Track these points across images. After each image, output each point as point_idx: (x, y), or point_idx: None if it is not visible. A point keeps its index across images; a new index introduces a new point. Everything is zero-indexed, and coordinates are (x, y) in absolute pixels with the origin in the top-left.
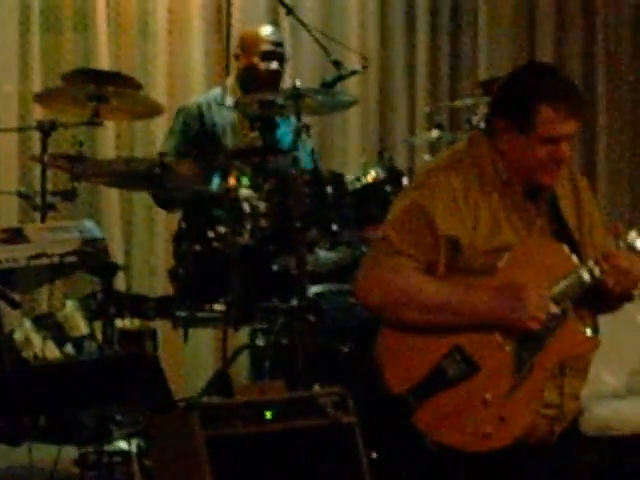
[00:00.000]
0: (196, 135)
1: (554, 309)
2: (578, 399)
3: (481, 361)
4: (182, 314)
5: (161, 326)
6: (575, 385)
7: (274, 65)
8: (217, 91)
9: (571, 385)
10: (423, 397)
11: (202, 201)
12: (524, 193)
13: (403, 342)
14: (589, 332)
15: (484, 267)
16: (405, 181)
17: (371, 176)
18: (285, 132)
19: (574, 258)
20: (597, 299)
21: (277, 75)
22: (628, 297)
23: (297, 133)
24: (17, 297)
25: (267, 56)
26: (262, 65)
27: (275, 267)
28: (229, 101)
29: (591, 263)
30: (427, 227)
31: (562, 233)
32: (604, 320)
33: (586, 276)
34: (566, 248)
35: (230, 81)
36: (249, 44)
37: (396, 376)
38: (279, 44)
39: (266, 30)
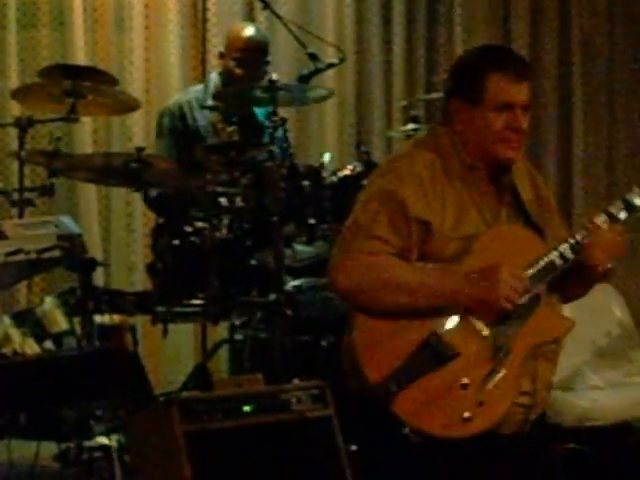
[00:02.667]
0: (181, 134)
1: (532, 289)
2: (549, 389)
3: (458, 347)
4: (161, 309)
5: (140, 321)
6: (547, 373)
7: (248, 70)
8: (198, 88)
9: (543, 372)
10: (401, 385)
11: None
12: (488, 179)
13: (378, 332)
14: (563, 314)
15: (454, 255)
16: None
17: (348, 169)
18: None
19: (543, 243)
20: (571, 281)
21: (254, 78)
22: (605, 274)
23: (274, 127)
24: None
25: (240, 63)
26: (237, 70)
27: (253, 262)
28: (210, 101)
29: (562, 246)
30: (399, 210)
31: (525, 220)
32: (584, 315)
33: (558, 260)
34: (535, 233)
35: (214, 77)
36: (228, 46)
37: (373, 366)
38: (255, 50)
39: (245, 33)
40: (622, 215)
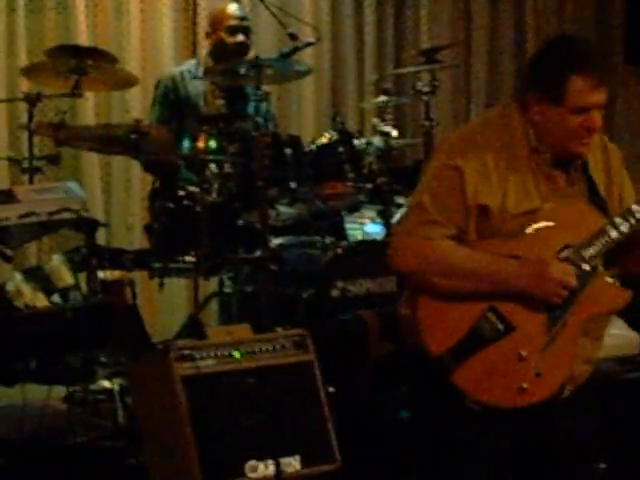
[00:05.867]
0: (173, 104)
1: (585, 267)
2: (590, 364)
3: (516, 320)
4: (157, 265)
5: (139, 276)
6: (587, 348)
7: (240, 37)
8: (192, 62)
9: (584, 347)
10: (461, 358)
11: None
12: (553, 162)
13: (441, 306)
14: (619, 286)
15: (514, 231)
16: (355, 142)
17: (325, 138)
18: (250, 99)
19: (602, 217)
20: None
21: (244, 46)
22: None
23: (258, 100)
24: (9, 252)
25: (233, 30)
26: (230, 39)
27: (240, 222)
28: (201, 73)
29: (618, 219)
30: (458, 191)
31: (595, 199)
32: None
33: (613, 233)
34: (595, 209)
35: (203, 55)
36: (217, 21)
37: (435, 339)
38: (243, 18)
39: (231, 7)
40: None
